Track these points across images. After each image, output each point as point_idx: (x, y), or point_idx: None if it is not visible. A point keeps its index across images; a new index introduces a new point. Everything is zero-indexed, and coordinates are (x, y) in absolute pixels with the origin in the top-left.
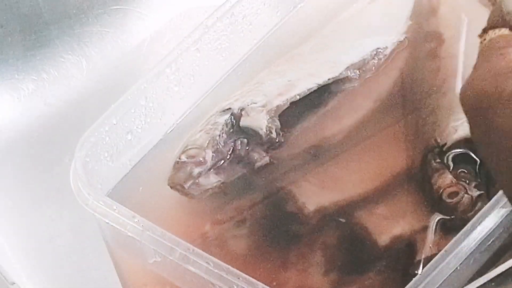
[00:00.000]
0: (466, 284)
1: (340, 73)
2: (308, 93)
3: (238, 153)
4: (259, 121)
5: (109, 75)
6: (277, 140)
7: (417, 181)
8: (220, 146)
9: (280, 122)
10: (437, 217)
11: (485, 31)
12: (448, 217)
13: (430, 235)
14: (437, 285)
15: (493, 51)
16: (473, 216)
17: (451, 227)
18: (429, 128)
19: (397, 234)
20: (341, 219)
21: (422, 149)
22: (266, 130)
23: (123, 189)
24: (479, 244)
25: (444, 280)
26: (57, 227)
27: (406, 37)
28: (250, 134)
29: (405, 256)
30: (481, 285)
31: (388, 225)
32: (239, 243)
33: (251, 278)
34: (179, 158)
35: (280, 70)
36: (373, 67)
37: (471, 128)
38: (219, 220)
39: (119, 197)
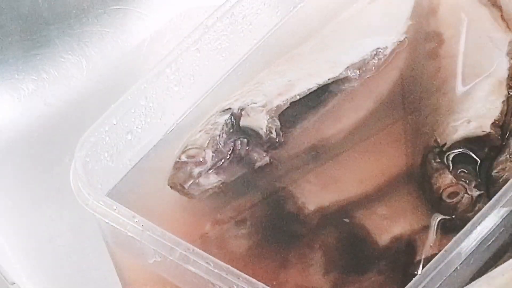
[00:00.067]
0: (466, 284)
1: (340, 73)
2: (308, 93)
3: (238, 153)
4: (259, 121)
5: (109, 75)
6: (277, 140)
7: (417, 181)
8: (220, 146)
9: (280, 122)
10: (437, 217)
11: None
12: (448, 217)
13: (430, 235)
14: (437, 285)
15: None
16: (473, 216)
17: (451, 227)
18: (429, 128)
19: (397, 234)
20: (345, 219)
21: (422, 149)
22: (266, 130)
23: (123, 189)
24: (479, 244)
25: (444, 280)
26: (57, 227)
27: (406, 37)
28: (250, 134)
29: (405, 256)
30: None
31: (388, 225)
32: (239, 243)
33: (251, 278)
34: (179, 158)
35: (280, 70)
36: (373, 67)
37: None
38: (219, 220)
39: (119, 197)
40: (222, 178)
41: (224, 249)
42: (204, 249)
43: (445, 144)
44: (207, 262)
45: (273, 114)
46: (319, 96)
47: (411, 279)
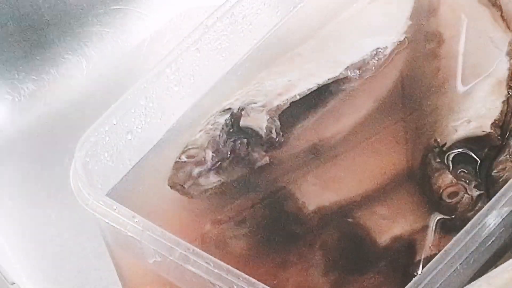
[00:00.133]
0: (466, 284)
1: (340, 73)
2: (308, 93)
3: (238, 153)
4: (259, 121)
5: (109, 75)
6: (277, 140)
7: (417, 181)
8: (220, 146)
9: (280, 122)
10: (437, 217)
11: None
12: (448, 217)
13: (430, 235)
14: (437, 285)
15: None
16: (473, 216)
17: (451, 227)
18: (429, 128)
19: (397, 234)
20: (345, 219)
21: (422, 149)
22: (266, 130)
23: (123, 189)
24: (479, 244)
25: (444, 280)
26: (57, 227)
27: (406, 37)
28: (250, 134)
29: (405, 256)
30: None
31: (388, 225)
32: (239, 243)
33: (251, 278)
34: (179, 158)
35: (280, 70)
36: (373, 67)
37: None
38: (219, 220)
39: (119, 197)
40: (222, 178)
41: (224, 249)
42: (204, 249)
43: (445, 144)
44: (207, 262)
45: (273, 114)
46: (319, 96)
47: (411, 279)
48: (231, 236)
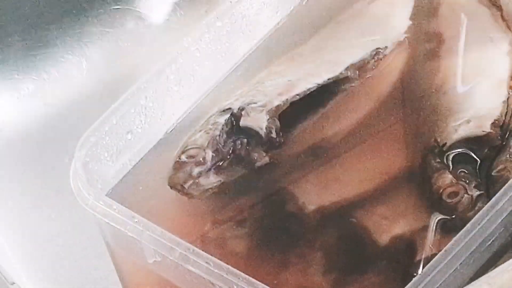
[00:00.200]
0: (466, 284)
1: (340, 73)
2: (308, 93)
3: (238, 153)
4: (259, 121)
5: (109, 75)
6: (277, 140)
7: (417, 181)
8: (220, 146)
9: (280, 122)
10: (437, 217)
11: None
12: (448, 217)
13: (430, 235)
14: (437, 285)
15: None
16: (473, 216)
17: (451, 227)
18: (429, 128)
19: (397, 234)
20: (345, 219)
21: (422, 149)
22: (266, 130)
23: (123, 189)
24: (479, 244)
25: (444, 280)
26: (57, 227)
27: (406, 37)
28: (250, 134)
29: (405, 256)
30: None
31: (388, 225)
32: (239, 243)
33: (251, 278)
34: (179, 158)
35: (280, 70)
36: (373, 67)
37: None
38: (219, 220)
39: (119, 197)
40: (222, 178)
41: (224, 249)
42: (204, 249)
43: (445, 144)
44: (207, 262)
45: (273, 114)
46: (319, 96)
47: (411, 279)
48: (231, 236)
